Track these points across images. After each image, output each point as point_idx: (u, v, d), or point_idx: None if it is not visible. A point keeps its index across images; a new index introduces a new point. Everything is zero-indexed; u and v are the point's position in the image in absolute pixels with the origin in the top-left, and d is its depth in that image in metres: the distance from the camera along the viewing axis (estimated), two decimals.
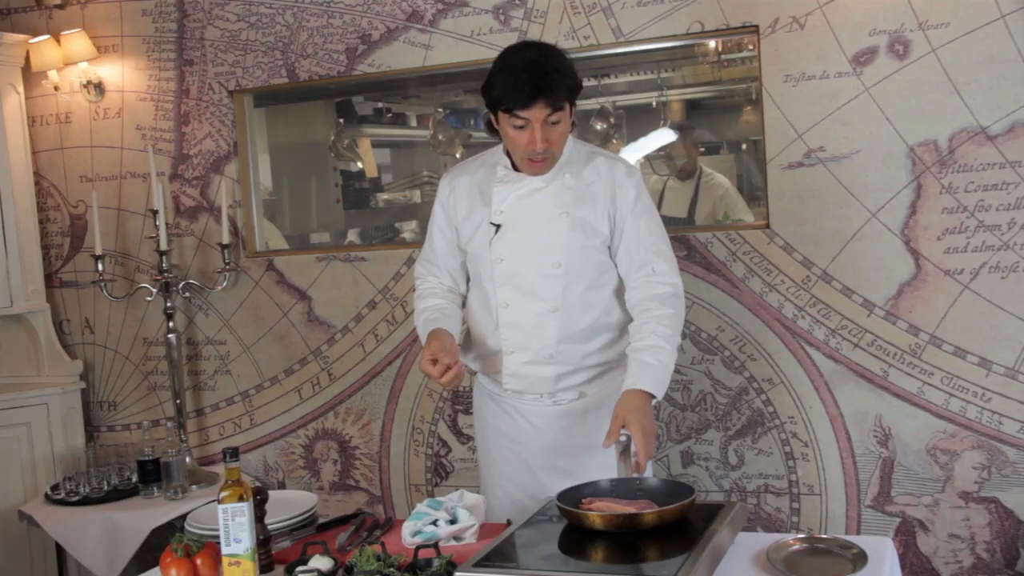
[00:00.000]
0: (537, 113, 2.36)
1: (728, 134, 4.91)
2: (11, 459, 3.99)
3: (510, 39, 3.52)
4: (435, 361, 2.36)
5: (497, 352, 2.56)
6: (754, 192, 4.37)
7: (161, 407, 4.21)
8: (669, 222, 4.24)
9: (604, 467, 2.32)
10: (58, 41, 4.10)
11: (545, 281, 2.48)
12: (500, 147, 2.58)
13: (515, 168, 2.53)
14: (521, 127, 2.39)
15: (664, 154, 4.70)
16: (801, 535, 2.07)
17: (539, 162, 2.44)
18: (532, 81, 2.34)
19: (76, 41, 4.07)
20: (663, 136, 4.68)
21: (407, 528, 2.17)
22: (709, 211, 4.43)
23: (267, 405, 4.05)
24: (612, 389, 2.57)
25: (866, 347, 3.23)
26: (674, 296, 2.46)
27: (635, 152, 4.70)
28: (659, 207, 3.70)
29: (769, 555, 1.96)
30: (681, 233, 3.42)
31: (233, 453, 1.98)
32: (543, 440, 2.57)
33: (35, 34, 4.14)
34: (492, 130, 2.54)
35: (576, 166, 2.52)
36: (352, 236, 5.25)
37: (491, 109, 2.47)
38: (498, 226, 2.52)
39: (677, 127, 4.76)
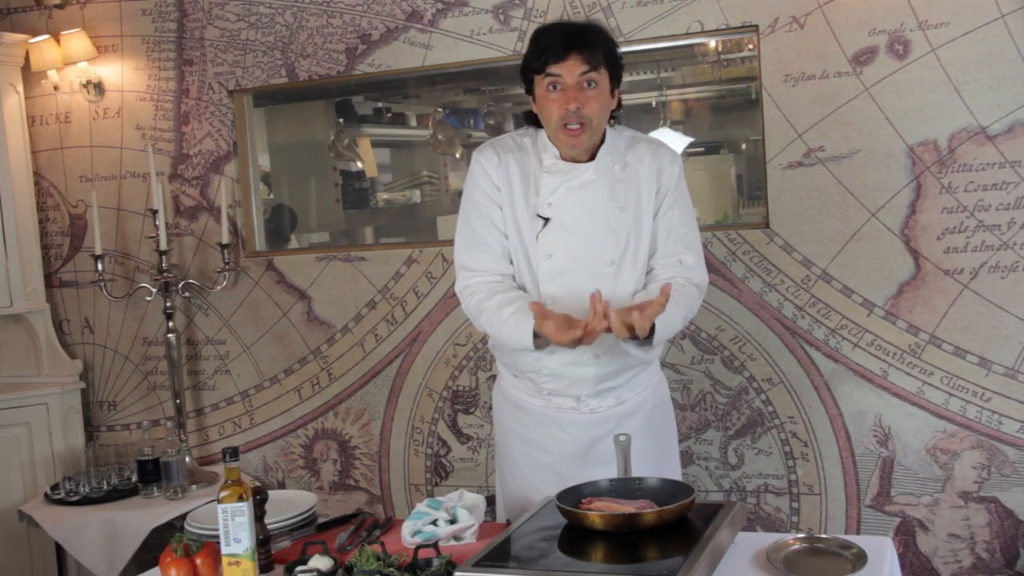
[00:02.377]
0: (571, 68, 2.27)
1: (728, 134, 4.91)
2: (11, 459, 3.99)
3: (510, 39, 3.53)
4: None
5: (536, 350, 2.38)
6: (754, 192, 4.37)
7: (161, 407, 4.21)
8: None
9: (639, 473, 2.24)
10: (58, 41, 4.10)
11: (596, 280, 2.33)
12: (543, 133, 2.42)
13: (563, 158, 2.40)
14: (555, 88, 2.29)
15: None
16: (801, 535, 2.07)
17: (575, 130, 2.29)
18: (567, 35, 2.29)
19: (76, 41, 4.07)
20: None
21: (407, 528, 2.17)
22: None
23: (267, 405, 4.05)
24: (649, 392, 2.53)
25: (866, 347, 3.23)
26: (697, 290, 2.39)
27: None
28: None
29: (769, 555, 1.96)
30: None
31: (233, 453, 1.98)
32: (576, 448, 2.46)
33: (35, 34, 4.14)
34: (532, 121, 2.43)
35: (620, 154, 2.41)
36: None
37: (527, 81, 2.37)
38: (546, 220, 2.38)
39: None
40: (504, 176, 2.41)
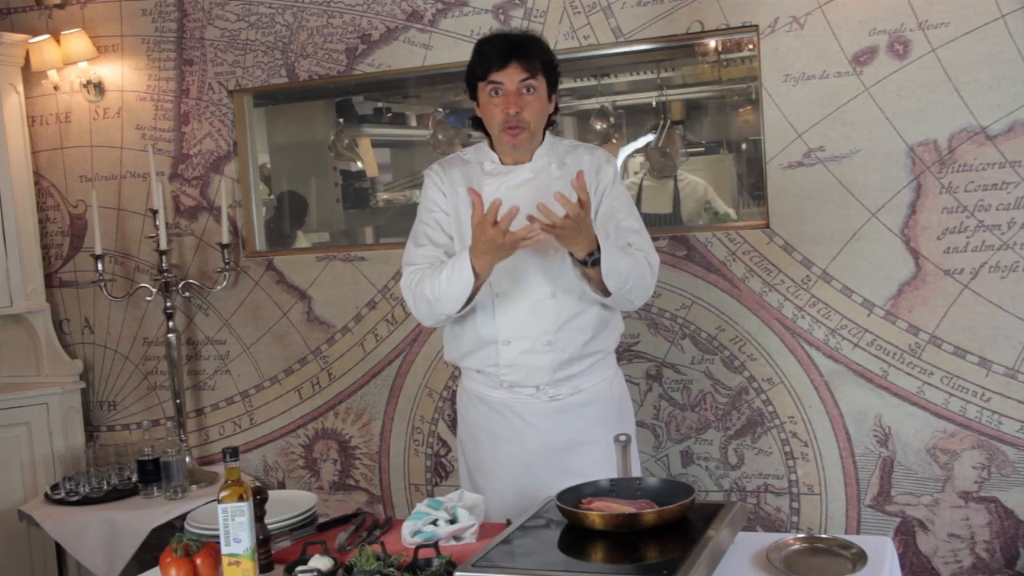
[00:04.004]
0: (512, 75, 2.45)
1: (728, 134, 4.91)
2: (11, 459, 3.99)
3: None
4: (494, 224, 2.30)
5: (492, 343, 2.55)
6: (754, 192, 4.37)
7: (161, 407, 4.21)
8: (653, 219, 4.26)
9: (603, 462, 2.33)
10: (58, 41, 4.10)
11: (543, 266, 2.51)
12: (484, 144, 2.64)
13: (502, 162, 2.59)
14: (497, 93, 2.47)
15: (667, 152, 4.69)
16: (801, 535, 2.07)
17: (514, 129, 2.48)
18: (507, 44, 2.48)
19: (76, 41, 4.07)
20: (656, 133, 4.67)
21: (407, 528, 2.17)
22: (694, 208, 4.45)
23: (267, 405, 4.05)
24: (606, 384, 2.64)
25: (866, 347, 3.23)
26: (647, 265, 2.49)
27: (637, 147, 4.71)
28: (637, 204, 3.75)
29: (769, 555, 1.96)
30: (681, 233, 3.43)
31: (233, 453, 1.98)
32: (540, 437, 2.57)
33: (35, 34, 4.14)
34: (478, 125, 2.60)
35: (558, 156, 2.59)
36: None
37: (471, 87, 2.55)
38: None
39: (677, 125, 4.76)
40: (449, 185, 2.62)
